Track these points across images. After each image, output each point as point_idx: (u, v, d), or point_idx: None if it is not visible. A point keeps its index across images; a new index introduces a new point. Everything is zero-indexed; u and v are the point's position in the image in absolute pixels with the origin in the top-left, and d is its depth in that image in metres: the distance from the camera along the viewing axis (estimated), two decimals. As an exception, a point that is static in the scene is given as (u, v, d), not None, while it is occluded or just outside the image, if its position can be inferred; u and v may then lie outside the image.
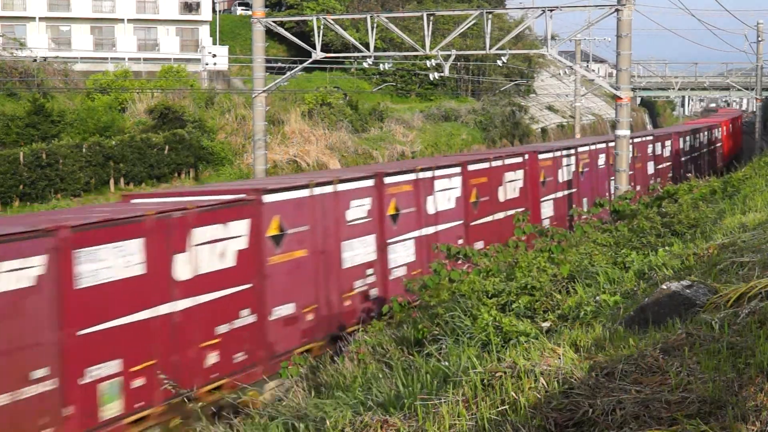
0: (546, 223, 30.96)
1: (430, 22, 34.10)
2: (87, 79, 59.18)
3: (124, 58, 66.02)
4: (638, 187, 39.30)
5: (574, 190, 35.63)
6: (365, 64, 40.61)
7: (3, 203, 42.00)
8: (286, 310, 18.98)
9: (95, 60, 65.48)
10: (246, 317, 17.75)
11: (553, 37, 38.20)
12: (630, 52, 32.28)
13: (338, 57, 53.06)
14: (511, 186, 30.05)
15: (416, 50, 35.69)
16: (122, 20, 70.27)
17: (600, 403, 5.90)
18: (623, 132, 32.29)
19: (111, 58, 65.86)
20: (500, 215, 28.67)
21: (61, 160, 44.67)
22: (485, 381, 6.71)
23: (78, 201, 44.31)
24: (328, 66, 70.47)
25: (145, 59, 67.18)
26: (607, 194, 36.50)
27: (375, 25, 35.07)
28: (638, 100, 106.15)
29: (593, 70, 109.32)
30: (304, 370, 14.04)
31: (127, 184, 47.73)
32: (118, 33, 70.18)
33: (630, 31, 31.87)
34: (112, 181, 47.06)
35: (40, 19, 67.75)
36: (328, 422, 6.92)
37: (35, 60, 57.83)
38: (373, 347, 13.17)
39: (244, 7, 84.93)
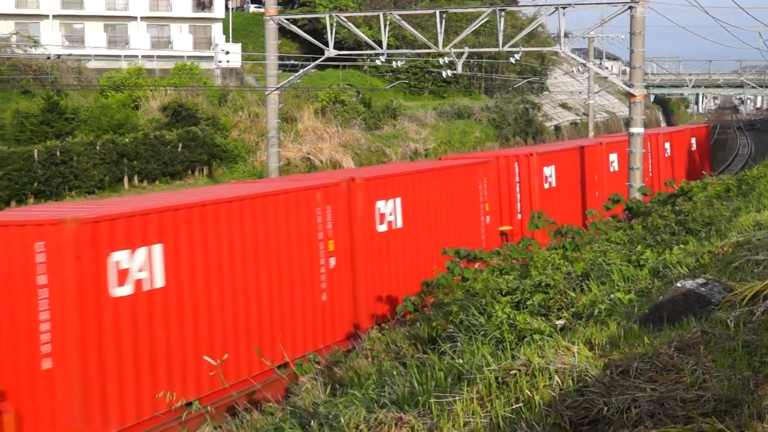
0: None
1: (443, 20, 34.05)
2: (100, 76, 59.37)
3: (137, 56, 66.19)
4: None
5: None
6: (378, 62, 40.58)
7: (18, 200, 42.16)
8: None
9: (109, 57, 65.68)
10: None
11: (566, 35, 38.17)
12: (643, 50, 32.18)
13: (351, 54, 53.04)
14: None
15: (429, 48, 35.66)
16: (135, 18, 70.46)
17: (615, 401, 5.89)
18: (637, 129, 32.27)
19: (124, 56, 66.05)
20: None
21: (75, 158, 44.82)
22: (500, 379, 6.71)
23: (92, 198, 44.48)
24: (341, 63, 70.51)
25: (158, 57, 67.33)
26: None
27: (388, 22, 35.06)
28: (652, 97, 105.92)
29: (606, 68, 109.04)
30: (320, 367, 14.06)
31: (141, 182, 47.88)
32: (132, 30, 70.37)
33: (643, 28, 31.78)
34: (126, 179, 47.20)
35: (54, 16, 67.97)
36: (342, 419, 6.92)
37: (49, 57, 58.03)
38: (387, 345, 13.19)
39: (256, 5, 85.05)
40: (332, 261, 19.88)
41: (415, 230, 22.97)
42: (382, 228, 21.59)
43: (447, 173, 25.37)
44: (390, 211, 21.89)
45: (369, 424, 6.66)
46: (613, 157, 38.84)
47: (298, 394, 11.05)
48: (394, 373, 9.44)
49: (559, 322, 10.12)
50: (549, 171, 32.02)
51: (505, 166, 29.91)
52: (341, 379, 12.16)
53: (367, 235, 21.09)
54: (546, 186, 31.50)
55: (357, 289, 20.58)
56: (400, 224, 22.29)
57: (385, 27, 34.67)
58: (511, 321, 9.96)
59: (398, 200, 22.23)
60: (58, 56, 59.48)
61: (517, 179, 30.26)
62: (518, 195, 30.17)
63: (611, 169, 38.33)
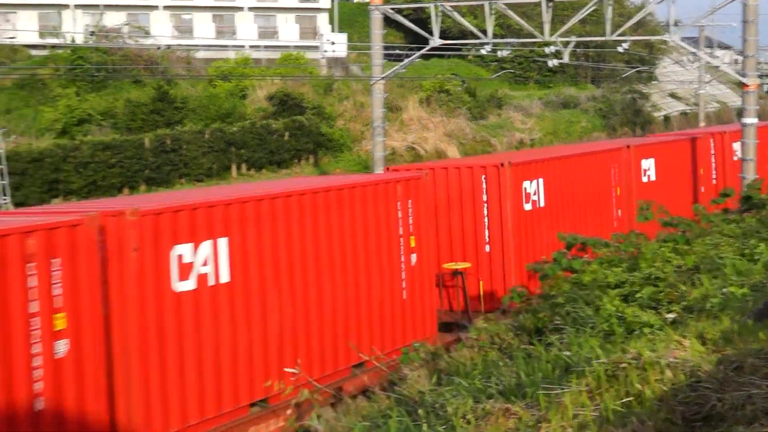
0: None
1: (550, 8, 33.68)
2: (209, 66, 60.40)
3: (244, 46, 67.11)
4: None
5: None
6: (483, 51, 40.37)
7: (130, 187, 43.27)
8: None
9: (217, 47, 66.75)
10: None
11: (675, 23, 37.36)
12: (757, 38, 31.46)
13: (456, 44, 52.86)
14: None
15: (535, 37, 35.34)
16: (242, 8, 71.44)
17: (729, 397, 5.78)
18: (750, 120, 31.64)
19: (232, 46, 67.04)
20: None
21: (185, 146, 45.75)
22: (609, 372, 6.64)
23: (201, 186, 45.35)
24: (446, 53, 70.32)
25: (265, 47, 68.18)
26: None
27: (493, 11, 34.83)
28: (765, 87, 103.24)
29: (718, 57, 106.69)
30: (425, 356, 14.09)
31: (248, 170, 48.59)
32: (239, 21, 71.36)
33: (756, 16, 31.05)
34: (233, 167, 47.96)
35: (164, 7, 69.35)
36: (449, 409, 6.93)
37: (159, 48, 59.24)
38: (491, 336, 13.16)
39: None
40: (61, 346, 12.16)
41: (259, 285, 15.27)
42: (185, 286, 13.92)
43: (327, 196, 17.15)
44: (204, 259, 14.25)
45: (476, 414, 6.66)
46: (648, 163, 31.18)
47: (403, 384, 11.10)
48: (500, 363, 9.42)
49: (670, 316, 9.96)
50: (533, 186, 23.94)
51: (468, 180, 22.71)
52: (446, 369, 12.17)
53: (152, 301, 13.42)
54: (528, 206, 23.64)
55: (116, 395, 13.01)
56: (225, 278, 14.58)
57: (490, 16, 34.46)
58: (620, 314, 9.84)
59: (223, 242, 14.56)
60: (168, 46, 60.66)
61: (485, 197, 22.65)
62: (486, 219, 22.69)
63: (644, 179, 30.94)
